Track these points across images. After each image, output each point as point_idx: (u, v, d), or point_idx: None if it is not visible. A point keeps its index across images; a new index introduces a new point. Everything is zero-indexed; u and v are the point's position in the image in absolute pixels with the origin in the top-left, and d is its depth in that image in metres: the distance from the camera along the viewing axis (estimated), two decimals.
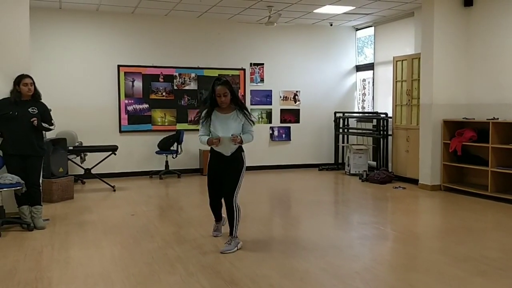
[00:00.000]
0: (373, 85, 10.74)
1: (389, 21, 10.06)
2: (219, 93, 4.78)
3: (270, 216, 6.68)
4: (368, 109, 10.94)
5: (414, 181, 8.57)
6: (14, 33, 6.03)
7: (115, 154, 8.30)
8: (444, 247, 4.94)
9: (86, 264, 4.37)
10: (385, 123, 9.33)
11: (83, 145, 8.65)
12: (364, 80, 11.08)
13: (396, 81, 9.12)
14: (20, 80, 5.68)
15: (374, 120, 10.24)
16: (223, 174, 4.91)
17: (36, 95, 5.82)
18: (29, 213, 5.73)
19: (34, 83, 5.76)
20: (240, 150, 4.92)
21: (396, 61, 9.11)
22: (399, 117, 9.09)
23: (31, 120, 5.59)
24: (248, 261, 4.44)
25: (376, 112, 9.76)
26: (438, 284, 3.88)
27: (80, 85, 9.21)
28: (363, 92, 11.15)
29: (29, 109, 5.68)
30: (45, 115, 5.83)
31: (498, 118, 7.31)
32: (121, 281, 3.93)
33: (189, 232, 5.46)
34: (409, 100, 8.78)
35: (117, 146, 8.34)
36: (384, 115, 9.47)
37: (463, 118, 7.95)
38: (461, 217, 6.32)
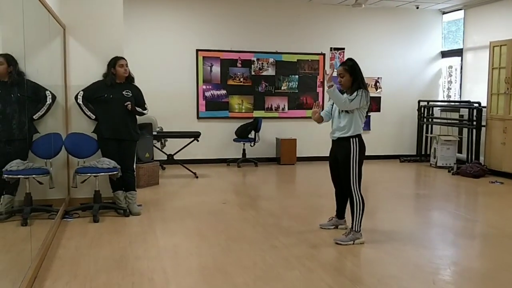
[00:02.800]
0: (461, 72, 10.08)
1: (481, 3, 9.36)
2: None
3: (371, 210, 6.27)
4: (455, 97, 10.30)
5: (511, 176, 7.95)
6: (108, 15, 5.88)
7: (197, 140, 8.14)
8: None
9: (196, 254, 4.17)
10: (477, 113, 8.70)
11: (163, 130, 8.55)
12: (450, 67, 10.42)
13: (493, 68, 8.46)
14: (115, 61, 5.55)
15: (462, 110, 9.65)
16: (336, 161, 4.65)
17: (130, 78, 5.68)
18: (124, 198, 5.62)
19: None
20: (349, 135, 4.51)
21: (494, 46, 8.45)
22: (495, 106, 8.44)
23: (125, 104, 5.46)
24: (367, 259, 4.11)
25: (468, 101, 9.12)
26: None
27: (159, 69, 9.11)
28: (449, 79, 10.50)
29: (124, 92, 5.55)
30: (138, 98, 5.68)
31: None
32: (239, 275, 3.70)
33: (291, 224, 5.18)
34: (508, 89, 8.12)
35: (200, 133, 8.18)
36: (476, 104, 8.84)
37: None
38: None
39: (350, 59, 4.70)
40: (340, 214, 5.00)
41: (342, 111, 4.57)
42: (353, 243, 4.43)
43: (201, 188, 7.15)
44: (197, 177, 7.96)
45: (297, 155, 9.67)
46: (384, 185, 7.72)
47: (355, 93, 4.48)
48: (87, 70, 5.67)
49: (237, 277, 3.64)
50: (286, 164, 9.50)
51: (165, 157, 8.31)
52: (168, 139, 8.54)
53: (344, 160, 4.53)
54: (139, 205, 5.77)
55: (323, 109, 4.95)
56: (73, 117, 5.72)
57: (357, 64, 4.62)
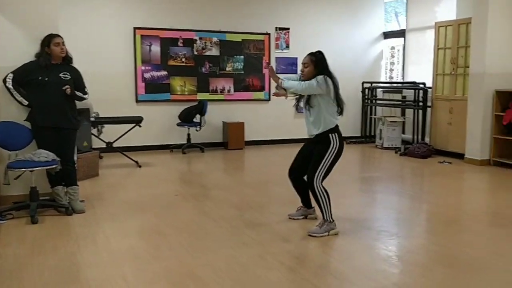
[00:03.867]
0: (403, 53, 10.10)
1: None
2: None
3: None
4: (397, 79, 10.32)
5: (457, 155, 8.05)
6: None
7: (139, 126, 7.53)
8: None
9: (158, 257, 3.69)
10: (423, 94, 8.71)
11: (99, 116, 7.83)
12: (392, 48, 10.42)
13: (438, 49, 8.48)
14: (50, 39, 4.86)
15: (404, 91, 9.68)
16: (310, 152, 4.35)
17: (68, 58, 5.02)
18: (65, 194, 4.99)
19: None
20: (324, 130, 4.23)
21: (439, 27, 8.45)
22: (440, 87, 8.49)
23: (64, 88, 4.81)
24: (347, 253, 3.84)
25: (413, 82, 9.13)
26: None
27: (93, 49, 8.31)
28: (391, 61, 10.50)
29: (61, 75, 4.88)
30: (78, 81, 5.03)
31: None
32: (211, 279, 3.28)
33: (255, 216, 4.81)
34: (453, 69, 8.17)
35: (142, 117, 7.56)
36: (422, 85, 8.86)
37: None
38: None
39: (319, 52, 4.37)
40: (306, 203, 4.71)
41: (307, 105, 4.30)
42: (328, 234, 4.16)
43: (147, 179, 6.60)
44: (140, 166, 7.38)
45: (245, 139, 9.30)
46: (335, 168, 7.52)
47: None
48: (17, 50, 4.94)
49: (211, 283, 3.23)
50: (234, 149, 9.11)
51: (102, 145, 7.63)
52: (105, 125, 7.85)
53: (319, 152, 4.22)
54: (82, 201, 5.17)
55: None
56: (2, 104, 4.97)
57: (325, 59, 4.32)
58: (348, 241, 4.09)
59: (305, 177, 4.41)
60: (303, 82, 4.23)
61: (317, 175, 4.20)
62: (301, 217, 4.69)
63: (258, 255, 3.71)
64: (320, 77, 4.17)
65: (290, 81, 4.31)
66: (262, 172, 7.30)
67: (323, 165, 4.20)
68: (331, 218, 4.22)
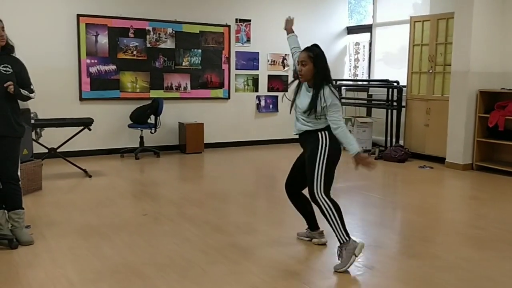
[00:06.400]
0: (369, 49, 9.57)
1: None
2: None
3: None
4: (362, 76, 9.78)
5: (435, 159, 7.59)
6: None
7: (89, 129, 6.38)
8: None
9: None
10: (398, 93, 8.18)
11: (38, 117, 6.60)
12: (357, 44, 9.86)
13: (414, 45, 7.97)
14: None
15: (370, 89, 9.17)
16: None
17: (9, 47, 3.91)
18: (6, 221, 3.88)
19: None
20: (317, 128, 3.54)
21: (415, 21, 7.94)
22: (416, 86, 7.99)
23: (6, 85, 3.71)
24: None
25: (386, 80, 8.59)
26: None
27: (29, 39, 7.04)
28: (355, 57, 9.94)
29: (0, 68, 3.78)
30: (22, 76, 3.94)
31: None
32: None
33: (247, 241, 3.96)
34: (431, 67, 7.69)
35: (92, 119, 6.42)
36: (395, 84, 8.33)
37: (501, 88, 7.02)
38: None
39: (316, 45, 3.62)
40: (310, 224, 3.97)
41: (312, 110, 3.52)
42: (355, 259, 3.42)
43: (101, 192, 5.52)
44: (90, 176, 6.27)
45: (204, 142, 8.36)
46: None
47: (321, 93, 3.46)
48: None
49: None
50: (192, 152, 8.14)
51: (42, 150, 6.42)
52: (44, 128, 6.63)
53: (309, 156, 3.55)
54: (27, 226, 4.07)
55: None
56: None
57: (323, 53, 3.58)
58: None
59: (303, 192, 3.82)
60: (343, 129, 3.46)
61: (316, 185, 3.49)
62: (307, 238, 3.99)
63: None
64: (330, 94, 3.46)
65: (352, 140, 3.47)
66: (236, 181, 6.36)
67: (318, 171, 3.49)
68: (346, 237, 3.46)
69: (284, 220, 4.50)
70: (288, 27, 4.16)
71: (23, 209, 3.95)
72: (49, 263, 3.46)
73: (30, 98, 4.02)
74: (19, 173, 4.00)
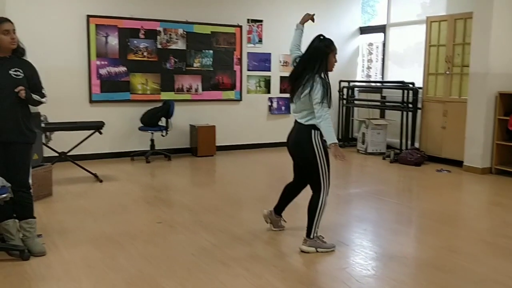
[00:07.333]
0: (383, 50, 9.38)
1: None
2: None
3: (339, 219, 5.10)
4: (375, 78, 9.59)
5: (452, 162, 7.41)
6: None
7: (100, 132, 6.24)
8: None
9: None
10: (414, 95, 7.99)
11: (48, 120, 6.47)
12: (371, 44, 9.68)
13: (430, 46, 7.79)
14: None
15: (384, 91, 8.99)
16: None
17: (20, 50, 3.77)
18: (17, 231, 3.75)
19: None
20: (310, 123, 3.71)
21: (431, 22, 7.76)
22: (433, 88, 7.81)
23: (17, 90, 3.57)
24: None
25: (402, 82, 8.40)
26: None
27: (39, 40, 6.90)
28: (368, 58, 9.76)
29: (11, 72, 3.64)
30: (34, 80, 3.80)
31: None
32: None
33: (267, 251, 3.80)
34: (449, 68, 7.50)
35: (103, 123, 6.28)
36: (411, 85, 8.15)
37: None
38: None
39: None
40: (282, 208, 4.26)
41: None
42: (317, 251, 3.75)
43: (113, 198, 5.39)
44: (101, 181, 6.14)
45: (216, 144, 8.21)
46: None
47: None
48: None
49: None
50: (204, 155, 7.99)
51: (51, 154, 6.28)
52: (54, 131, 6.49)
53: (308, 165, 3.77)
54: (39, 235, 3.94)
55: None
56: None
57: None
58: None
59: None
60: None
61: (323, 184, 3.74)
62: (269, 221, 4.29)
63: None
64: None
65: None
66: (251, 187, 6.19)
67: (322, 170, 3.72)
68: (315, 234, 3.78)
69: (303, 227, 4.34)
70: (304, 20, 4.19)
71: (34, 218, 3.82)
72: (62, 275, 3.32)
73: (41, 103, 3.88)
74: (30, 181, 3.87)
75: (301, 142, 3.76)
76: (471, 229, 4.59)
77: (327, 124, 3.59)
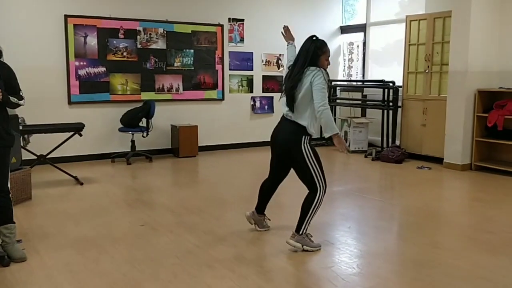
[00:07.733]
0: (364, 49, 9.44)
1: None
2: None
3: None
4: (356, 77, 9.65)
5: (433, 159, 7.50)
6: None
7: (80, 134, 6.15)
8: None
9: None
10: (394, 93, 8.06)
11: (26, 123, 6.35)
12: (351, 43, 9.73)
13: (410, 45, 7.86)
14: None
15: (365, 90, 9.06)
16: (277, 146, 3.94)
17: None
18: None
19: None
20: (296, 132, 3.69)
21: (411, 20, 7.83)
22: (412, 86, 7.88)
23: None
24: None
25: (382, 80, 8.46)
26: None
27: (15, 40, 6.80)
28: (349, 57, 9.81)
29: None
30: (11, 82, 3.72)
31: None
32: None
33: (252, 252, 3.77)
34: (428, 67, 7.58)
35: (83, 124, 6.18)
36: (391, 84, 8.21)
37: (499, 87, 6.93)
38: None
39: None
40: (263, 208, 4.24)
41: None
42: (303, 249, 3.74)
43: (94, 201, 5.30)
44: (81, 184, 6.05)
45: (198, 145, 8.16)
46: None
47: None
48: None
49: None
50: (186, 156, 7.94)
51: (30, 157, 6.18)
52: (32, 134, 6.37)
53: (299, 166, 3.74)
54: (19, 241, 3.85)
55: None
56: None
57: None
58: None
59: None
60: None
61: (319, 184, 3.74)
62: (253, 223, 4.27)
63: None
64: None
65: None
66: (234, 187, 6.17)
67: (315, 171, 3.71)
68: (306, 230, 3.79)
69: (288, 226, 4.32)
70: (287, 36, 4.26)
71: (14, 223, 3.73)
72: (45, 281, 3.25)
73: (19, 105, 3.80)
74: (9, 185, 3.78)
75: (289, 143, 3.70)
76: (454, 225, 4.64)
77: (328, 114, 3.54)
